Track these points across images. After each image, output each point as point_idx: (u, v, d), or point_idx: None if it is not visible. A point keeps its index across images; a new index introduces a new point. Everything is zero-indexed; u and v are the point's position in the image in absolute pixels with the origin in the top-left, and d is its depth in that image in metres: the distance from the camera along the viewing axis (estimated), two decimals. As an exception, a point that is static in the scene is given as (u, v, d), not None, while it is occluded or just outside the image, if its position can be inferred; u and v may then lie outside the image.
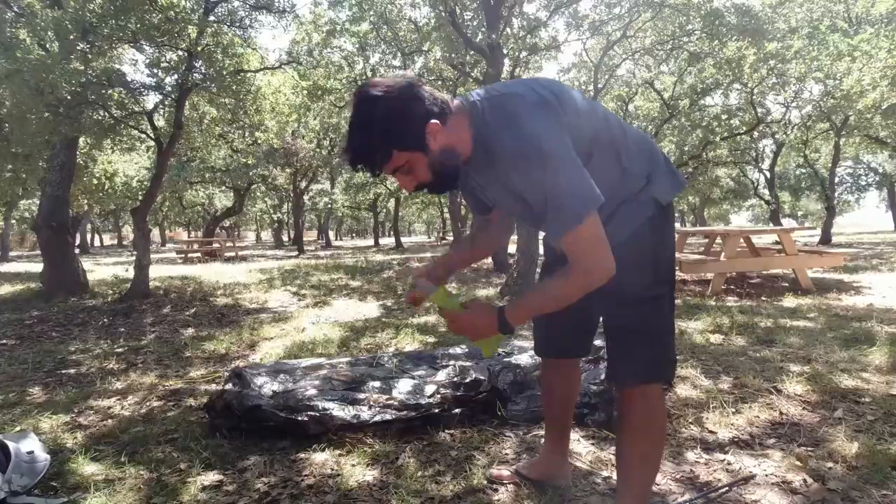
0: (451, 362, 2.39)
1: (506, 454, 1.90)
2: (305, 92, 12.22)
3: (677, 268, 6.31)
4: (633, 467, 1.33)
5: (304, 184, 19.06)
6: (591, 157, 1.12)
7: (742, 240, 6.13)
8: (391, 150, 1.08)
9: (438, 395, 2.15)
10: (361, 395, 2.14)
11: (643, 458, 1.33)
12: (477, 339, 1.25)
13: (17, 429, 2.18)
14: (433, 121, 1.08)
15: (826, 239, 13.06)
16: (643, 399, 1.30)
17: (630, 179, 1.21)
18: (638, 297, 1.23)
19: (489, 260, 8.96)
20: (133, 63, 12.66)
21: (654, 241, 1.24)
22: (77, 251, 7.82)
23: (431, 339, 3.75)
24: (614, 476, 1.73)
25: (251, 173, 14.72)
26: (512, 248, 8.35)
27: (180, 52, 6.25)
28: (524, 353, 2.44)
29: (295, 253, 17.31)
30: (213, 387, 2.79)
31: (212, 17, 6.44)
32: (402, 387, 2.20)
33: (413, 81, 1.10)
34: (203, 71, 6.40)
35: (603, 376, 2.14)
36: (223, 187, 18.06)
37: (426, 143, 1.09)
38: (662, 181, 1.24)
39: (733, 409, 2.22)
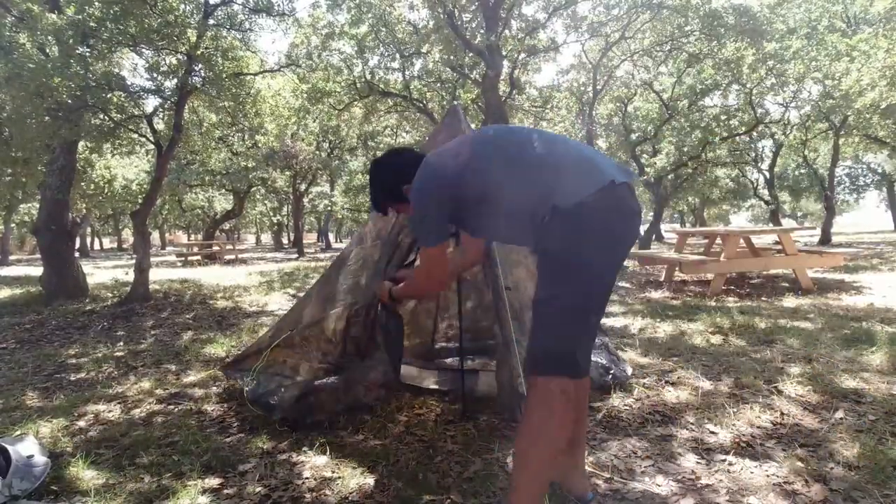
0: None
1: (507, 455, 1.90)
2: (305, 95, 12.24)
3: (678, 269, 6.32)
4: (514, 466, 1.33)
5: (303, 186, 19.06)
6: (484, 198, 1.43)
7: (742, 240, 6.13)
8: (385, 203, 1.69)
9: None
10: None
11: (520, 455, 1.32)
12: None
13: (17, 433, 2.18)
14: (406, 186, 1.54)
15: (826, 239, 13.06)
16: (532, 389, 1.35)
17: (531, 197, 1.36)
18: (540, 294, 1.37)
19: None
20: (133, 67, 12.67)
21: (558, 244, 1.33)
22: (77, 255, 7.82)
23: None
24: (616, 477, 1.72)
25: (251, 176, 14.73)
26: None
27: (179, 56, 6.25)
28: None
29: (295, 255, 17.31)
30: (214, 390, 2.78)
31: (211, 21, 6.44)
32: None
33: (395, 157, 1.66)
34: (202, 74, 6.40)
35: None
36: (223, 190, 18.05)
37: (404, 197, 1.56)
38: (565, 187, 1.33)
39: (734, 410, 2.22)
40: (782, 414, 2.19)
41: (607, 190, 1.32)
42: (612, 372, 2.51)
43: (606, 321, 4.02)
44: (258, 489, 1.72)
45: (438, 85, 12.99)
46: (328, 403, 2.19)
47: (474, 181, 1.43)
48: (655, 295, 5.65)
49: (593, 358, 2.54)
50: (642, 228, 17.71)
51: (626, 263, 9.61)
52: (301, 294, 6.83)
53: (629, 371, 2.62)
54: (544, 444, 1.28)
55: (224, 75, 6.38)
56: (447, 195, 1.45)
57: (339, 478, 1.77)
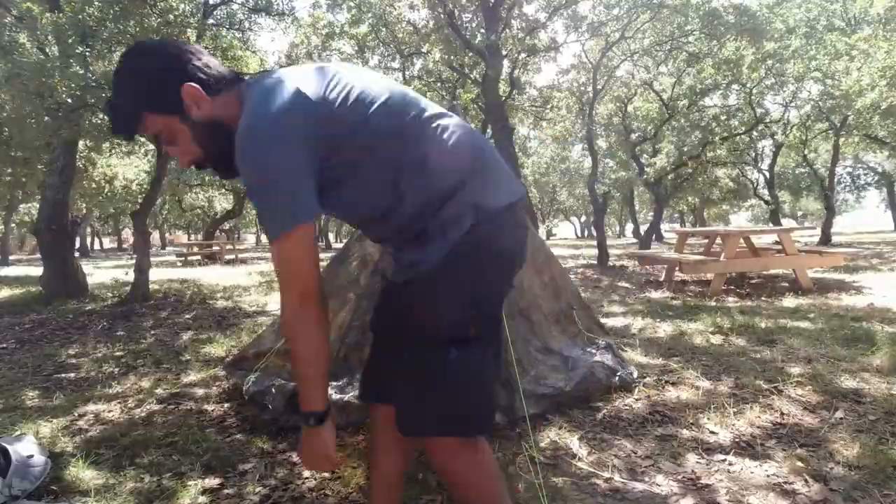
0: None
1: (507, 454, 1.90)
2: (304, 94, 12.24)
3: (678, 269, 6.32)
4: None
5: (303, 186, 19.04)
6: (373, 151, 0.96)
7: (742, 240, 6.13)
8: (140, 112, 0.97)
9: None
10: None
11: None
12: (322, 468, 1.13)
13: (17, 433, 2.18)
14: (189, 83, 0.95)
15: (826, 239, 13.05)
16: (435, 451, 1.07)
17: (434, 174, 0.98)
18: (439, 335, 1.01)
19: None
20: (132, 66, 12.66)
21: (473, 264, 0.99)
22: (77, 254, 7.82)
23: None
24: (616, 477, 1.72)
25: (251, 176, 14.71)
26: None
27: (179, 56, 6.26)
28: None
29: (295, 255, 17.27)
30: (214, 390, 2.79)
31: (211, 20, 6.46)
32: None
33: (177, 43, 1.00)
34: (202, 74, 6.40)
35: None
36: (223, 190, 18.05)
37: (181, 107, 0.96)
38: (484, 186, 1.01)
39: (734, 410, 2.21)
40: (782, 414, 2.19)
41: (521, 203, 1.09)
42: (618, 374, 2.50)
43: (607, 321, 4.02)
44: (258, 489, 1.72)
45: (438, 85, 12.99)
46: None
47: (368, 114, 0.95)
48: (655, 295, 5.65)
49: (599, 359, 2.53)
50: (643, 228, 17.74)
51: (626, 263, 9.63)
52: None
53: (635, 374, 2.62)
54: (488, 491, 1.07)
55: (224, 75, 6.37)
56: (316, 131, 0.92)
57: (339, 478, 1.77)
